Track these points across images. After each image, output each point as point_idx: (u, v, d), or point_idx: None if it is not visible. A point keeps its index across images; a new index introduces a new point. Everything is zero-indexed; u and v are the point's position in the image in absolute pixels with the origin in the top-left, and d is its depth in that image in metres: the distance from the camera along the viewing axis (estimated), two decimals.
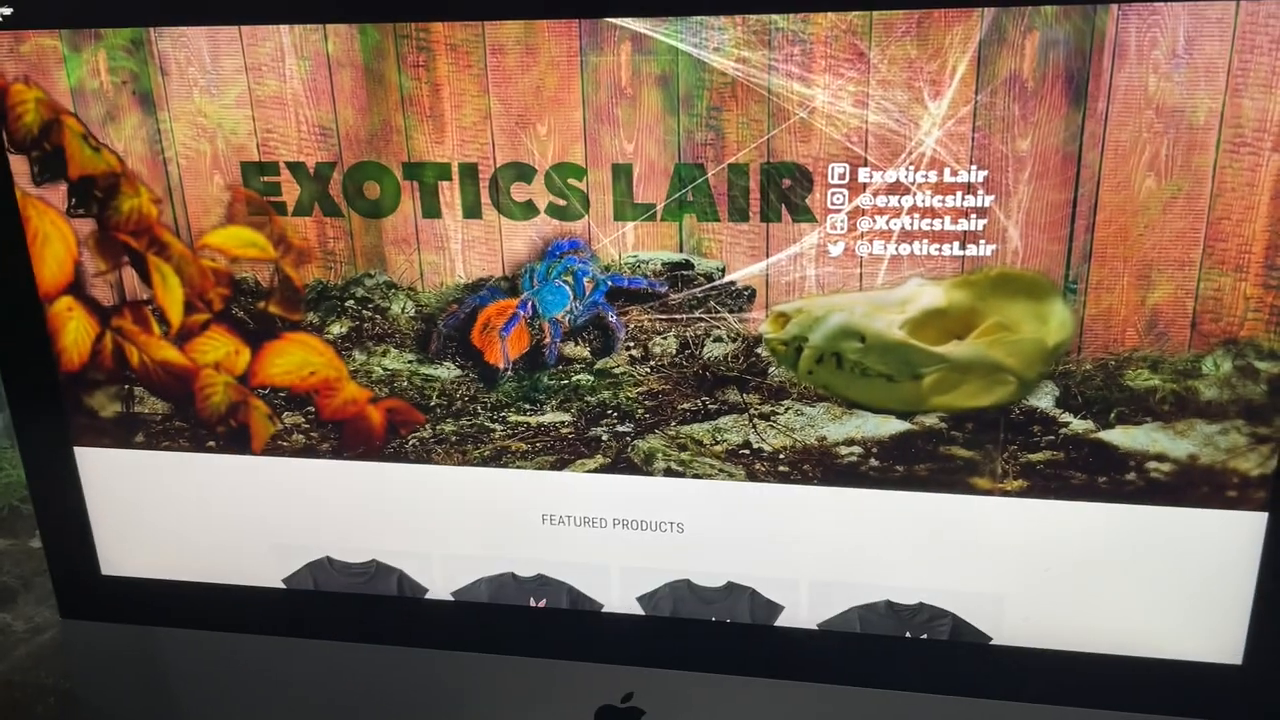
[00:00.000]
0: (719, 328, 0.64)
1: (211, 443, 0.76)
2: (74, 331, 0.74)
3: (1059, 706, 0.69)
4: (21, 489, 1.09)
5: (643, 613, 0.74)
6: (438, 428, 0.72)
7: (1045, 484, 0.65)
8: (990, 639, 0.70)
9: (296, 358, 0.71)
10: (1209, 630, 0.66)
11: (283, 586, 0.80)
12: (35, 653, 0.94)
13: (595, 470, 0.71)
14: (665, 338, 0.65)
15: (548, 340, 0.65)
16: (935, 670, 0.71)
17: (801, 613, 0.72)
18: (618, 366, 0.67)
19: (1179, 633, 0.67)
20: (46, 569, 0.80)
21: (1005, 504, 0.66)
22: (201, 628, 0.81)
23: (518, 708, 0.78)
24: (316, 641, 0.79)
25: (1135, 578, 0.66)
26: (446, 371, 0.69)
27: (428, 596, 0.77)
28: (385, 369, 0.69)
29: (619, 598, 0.75)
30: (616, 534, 0.72)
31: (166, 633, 0.82)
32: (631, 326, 0.66)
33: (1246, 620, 0.65)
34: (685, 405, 0.68)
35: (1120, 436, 0.63)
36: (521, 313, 0.65)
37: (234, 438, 0.75)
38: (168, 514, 0.79)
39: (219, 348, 0.71)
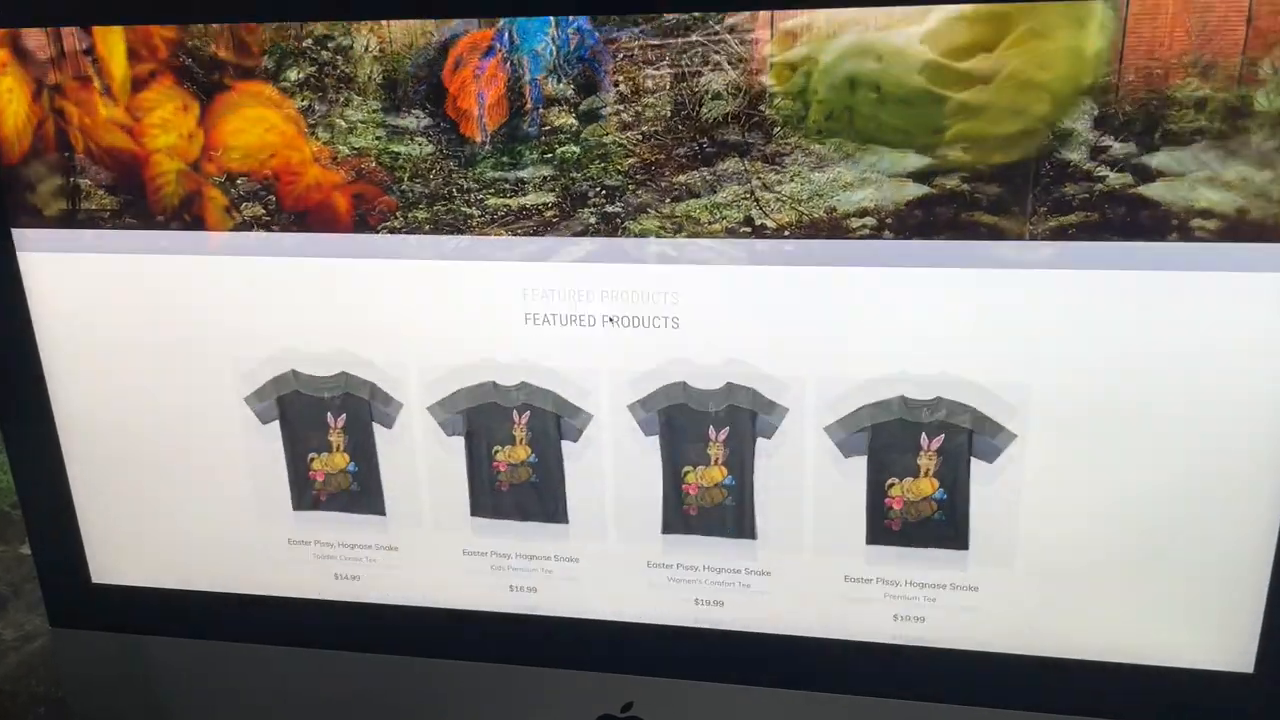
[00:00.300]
0: (718, 54, 0.56)
1: (166, 242, 0.70)
2: (12, 116, 0.68)
3: (1064, 715, 0.68)
4: (11, 495, 1.04)
5: (633, 418, 0.69)
6: (409, 214, 0.66)
7: (1078, 250, 0.59)
8: (1015, 435, 0.64)
9: (254, 135, 0.64)
10: (1219, 637, 0.65)
11: (282, 594, 0.79)
12: (26, 661, 0.93)
13: (583, 259, 0.65)
14: (658, 70, 0.57)
15: (526, 79, 0.57)
16: (940, 678, 0.70)
17: (807, 415, 0.67)
18: (607, 135, 0.61)
19: (1187, 639, 0.65)
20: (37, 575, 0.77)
21: (1032, 277, 0.61)
22: (194, 637, 0.80)
23: (517, 717, 0.76)
24: (312, 650, 0.78)
25: (1142, 581, 0.65)
26: (418, 148, 0.62)
27: (402, 412, 0.72)
28: (352, 147, 0.62)
29: (609, 406, 0.69)
30: (606, 332, 0.66)
31: (158, 642, 0.81)
32: (619, 57, 0.59)
33: (1258, 626, 0.64)
34: (681, 179, 0.62)
35: (1162, 191, 0.56)
36: (498, 45, 0.57)
37: (190, 235, 0.69)
38: (157, 501, 0.78)
39: (167, 108, 0.65)
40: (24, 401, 0.76)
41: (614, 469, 0.70)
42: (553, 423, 0.70)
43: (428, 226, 0.66)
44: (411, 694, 0.79)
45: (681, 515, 0.70)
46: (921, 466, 0.67)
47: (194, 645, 0.79)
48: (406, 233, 0.66)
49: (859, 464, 0.67)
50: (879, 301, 0.62)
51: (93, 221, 0.70)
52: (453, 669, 0.78)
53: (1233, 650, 0.65)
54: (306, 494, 0.76)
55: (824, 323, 0.62)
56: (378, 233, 0.67)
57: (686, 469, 0.69)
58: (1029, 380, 0.62)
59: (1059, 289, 0.60)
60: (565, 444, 0.70)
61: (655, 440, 0.69)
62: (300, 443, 0.74)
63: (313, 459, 0.75)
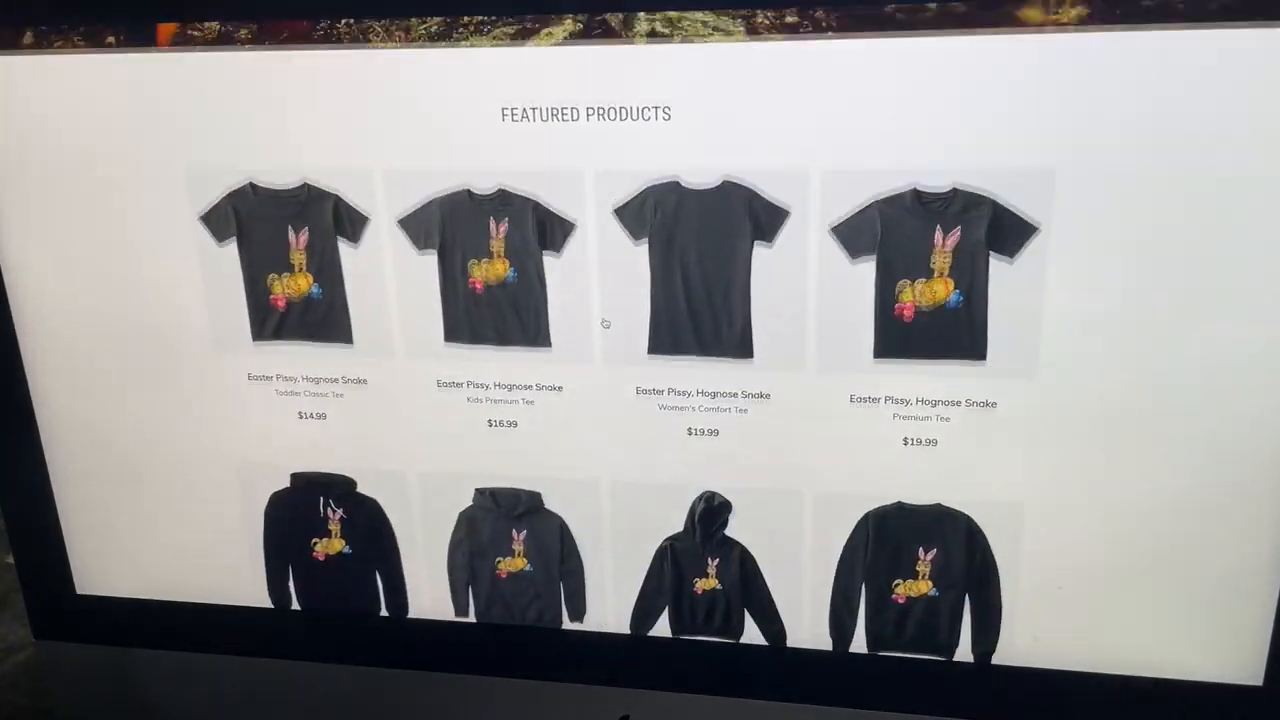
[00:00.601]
0: None
1: (110, 38, 0.64)
2: None
3: None
4: None
5: (621, 225, 0.64)
6: None
7: (1108, 8, 0.54)
8: (1036, 227, 0.59)
9: None
10: (1228, 649, 0.64)
11: (270, 606, 0.77)
12: (10, 673, 0.91)
13: (565, 40, 0.60)
14: None
15: None
16: (944, 691, 0.68)
17: (810, 215, 0.61)
18: None
19: (1196, 651, 0.64)
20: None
21: (1060, 42, 0.55)
22: (181, 649, 0.78)
23: None
24: (302, 663, 0.76)
25: (1150, 592, 0.63)
26: None
27: (369, 227, 0.67)
28: None
29: (594, 211, 0.63)
30: (591, 127, 0.60)
31: (145, 654, 0.78)
32: None
33: (1268, 639, 0.63)
34: None
35: None
36: None
37: (136, 29, 0.63)
38: (139, 504, 0.76)
39: None
40: (2, 396, 0.73)
41: (599, 283, 0.65)
42: (534, 233, 0.64)
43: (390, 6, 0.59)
44: (406, 707, 0.76)
45: (671, 333, 0.64)
46: (935, 267, 0.61)
47: (181, 658, 0.78)
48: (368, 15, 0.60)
49: (866, 268, 0.61)
50: (890, 78, 0.57)
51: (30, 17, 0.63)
52: (448, 682, 0.75)
53: (1242, 663, 0.64)
54: (268, 322, 0.70)
55: (829, 106, 0.58)
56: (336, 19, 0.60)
57: (681, 281, 0.63)
58: (1053, 164, 0.57)
59: (1089, 53, 0.55)
60: (547, 256, 0.65)
61: (644, 248, 0.63)
62: (259, 264, 0.68)
63: (273, 281, 0.69)
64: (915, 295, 0.61)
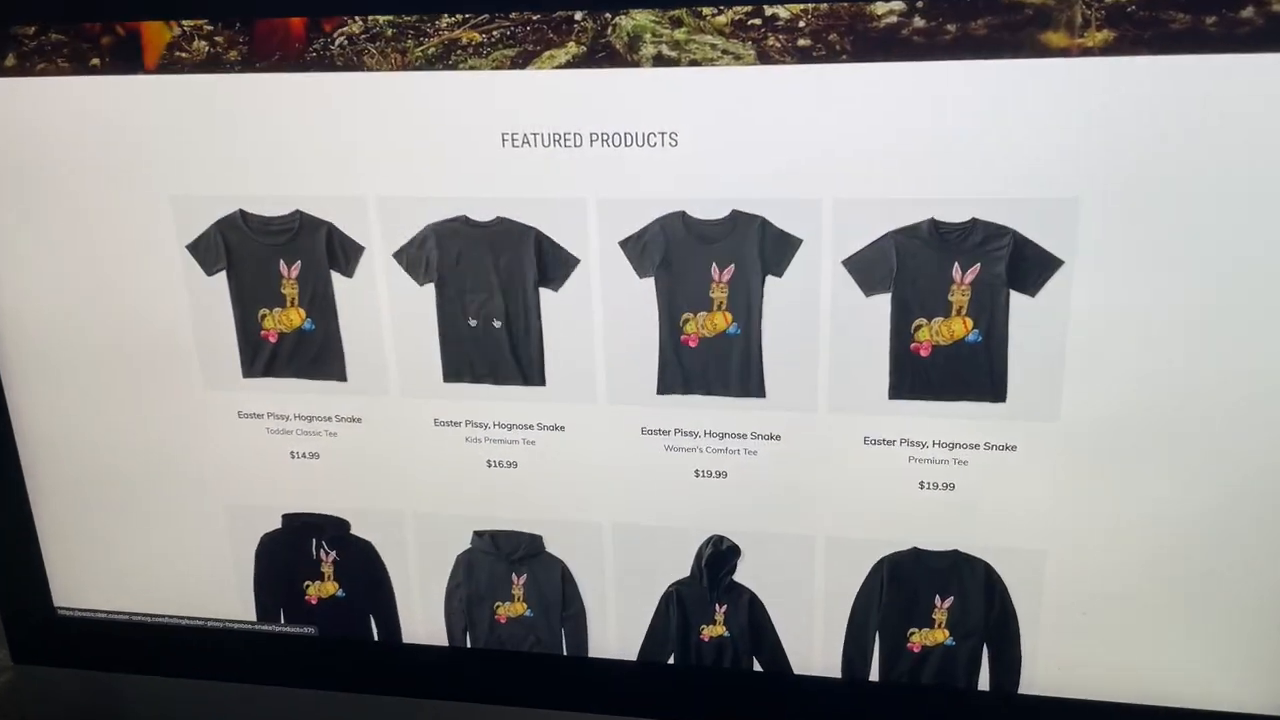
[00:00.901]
0: None
1: (96, 60, 0.62)
2: None
3: None
4: None
5: (625, 256, 0.61)
6: (369, 19, 0.58)
7: (1137, 32, 0.51)
8: (1060, 261, 0.56)
9: None
10: (1259, 678, 0.61)
11: (254, 626, 0.75)
12: None
13: (567, 64, 0.57)
14: None
15: None
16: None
17: (824, 246, 0.59)
18: None
19: (1224, 680, 0.62)
20: None
21: (1085, 67, 0.52)
22: (166, 674, 0.76)
23: None
24: (291, 689, 0.74)
25: (1179, 623, 0.61)
26: None
27: (364, 257, 0.64)
28: None
29: (598, 243, 0.61)
30: (595, 154, 0.58)
31: (128, 679, 0.76)
32: None
33: None
34: None
35: None
36: None
37: (123, 50, 0.61)
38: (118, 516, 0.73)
39: None
40: None
41: (603, 319, 0.62)
42: (533, 264, 0.62)
43: (390, 31, 0.58)
44: None
45: (680, 372, 0.62)
46: (953, 303, 0.59)
47: (165, 683, 0.76)
48: (365, 38, 0.58)
49: (882, 303, 0.59)
50: (907, 104, 0.55)
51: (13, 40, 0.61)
52: (440, 711, 0.73)
53: (1271, 691, 0.61)
54: (258, 357, 0.67)
55: (844, 132, 0.55)
56: (332, 40, 0.58)
57: (686, 316, 0.61)
58: (1077, 194, 0.54)
59: (1117, 78, 0.52)
60: (545, 292, 0.63)
61: (650, 283, 0.61)
62: (249, 296, 0.66)
63: (264, 315, 0.66)
64: (932, 333, 0.59)
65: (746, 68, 0.55)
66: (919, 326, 0.59)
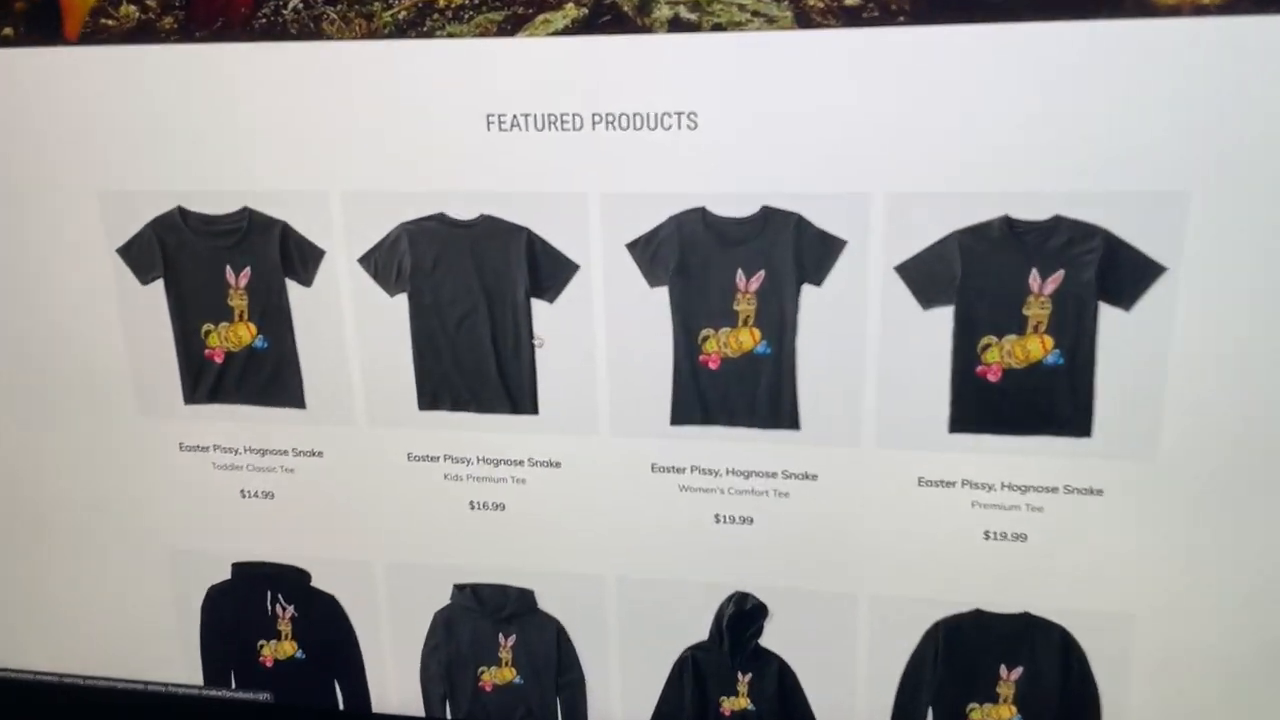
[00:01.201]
0: None
1: (8, 29, 0.55)
2: None
3: None
4: None
5: (634, 262, 0.54)
6: None
7: None
8: (1163, 268, 0.49)
9: None
10: None
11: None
12: None
13: (565, 30, 0.50)
14: None
15: None
16: None
17: (872, 249, 0.52)
18: None
19: None
20: None
21: (1201, 28, 0.45)
22: None
23: None
24: None
25: None
26: None
27: (325, 262, 0.57)
28: None
29: (601, 246, 0.54)
30: (598, 139, 0.51)
31: None
32: None
33: None
34: None
35: None
36: None
37: (39, 16, 0.54)
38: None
39: None
40: None
41: (607, 336, 0.56)
42: (525, 271, 0.55)
43: None
44: None
45: (698, 399, 0.56)
46: (1030, 319, 0.52)
47: None
48: (323, 1, 0.51)
49: (943, 318, 0.52)
50: (976, 76, 0.47)
51: None
52: None
53: None
54: (202, 379, 0.60)
55: (899, 112, 0.48)
56: (285, 3, 0.52)
57: (706, 333, 0.55)
58: (1187, 187, 0.47)
59: (1240, 41, 0.45)
60: (538, 303, 0.56)
61: (663, 293, 0.54)
62: (191, 308, 0.59)
63: (208, 331, 0.60)
64: (1003, 354, 0.53)
65: (781, 32, 0.49)
66: (987, 346, 0.53)
